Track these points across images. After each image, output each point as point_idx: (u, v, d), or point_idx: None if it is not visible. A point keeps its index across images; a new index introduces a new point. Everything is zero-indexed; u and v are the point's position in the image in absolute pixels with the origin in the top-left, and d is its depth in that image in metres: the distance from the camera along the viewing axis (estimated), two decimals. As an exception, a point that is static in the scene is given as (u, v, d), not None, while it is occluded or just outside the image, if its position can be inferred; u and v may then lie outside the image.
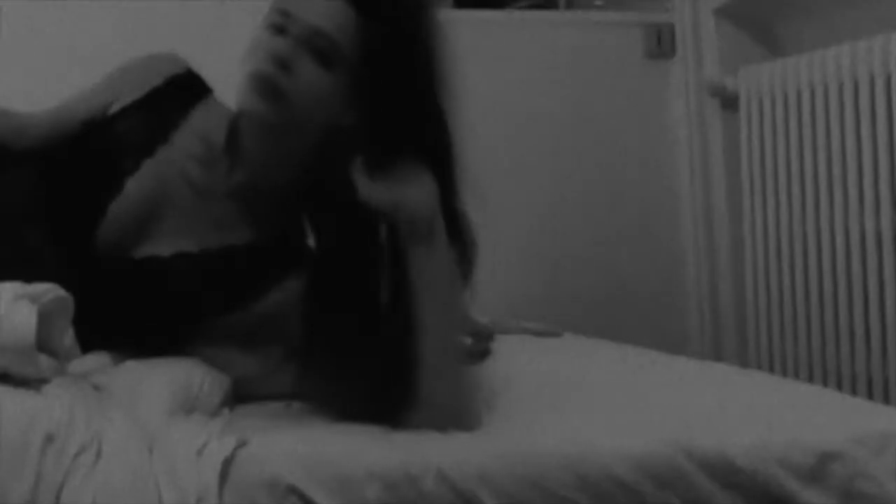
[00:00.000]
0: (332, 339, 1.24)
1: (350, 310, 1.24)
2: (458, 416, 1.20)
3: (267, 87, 1.28)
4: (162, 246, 1.36)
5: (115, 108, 1.45)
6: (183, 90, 1.47)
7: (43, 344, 1.15)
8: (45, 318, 1.15)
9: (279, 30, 1.30)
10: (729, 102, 2.88)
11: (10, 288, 1.15)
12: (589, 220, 2.97)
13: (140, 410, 1.16)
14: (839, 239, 2.47)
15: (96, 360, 1.29)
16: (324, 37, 1.28)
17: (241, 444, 1.09)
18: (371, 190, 1.21)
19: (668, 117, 3.03)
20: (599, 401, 1.35)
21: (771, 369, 2.68)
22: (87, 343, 1.27)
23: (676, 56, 3.02)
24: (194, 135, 1.39)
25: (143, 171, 1.39)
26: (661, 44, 3.03)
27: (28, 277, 1.19)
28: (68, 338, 1.21)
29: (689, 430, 1.18)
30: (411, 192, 1.22)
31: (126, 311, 1.34)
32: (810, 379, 2.54)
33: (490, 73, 2.87)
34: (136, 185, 1.39)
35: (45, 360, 1.15)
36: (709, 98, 2.95)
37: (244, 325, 1.34)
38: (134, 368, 1.28)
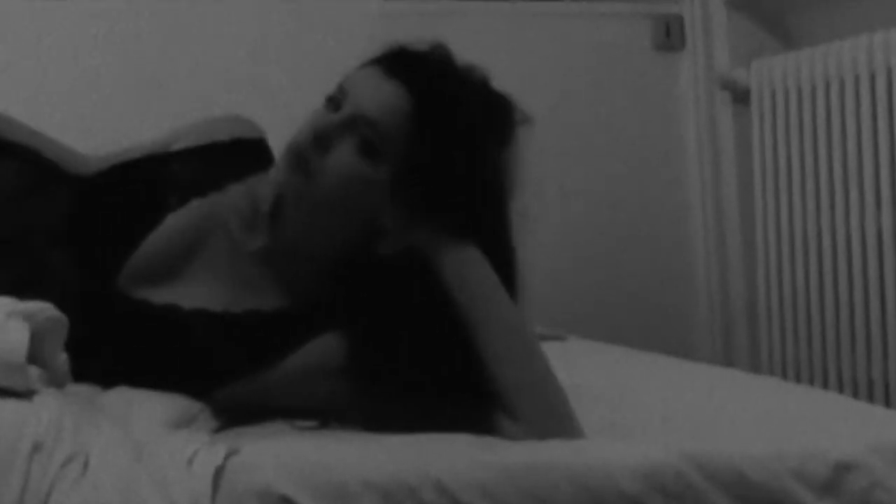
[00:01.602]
0: (398, 385, 1.25)
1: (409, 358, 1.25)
2: (558, 419, 1.20)
3: (299, 161, 1.27)
4: (185, 293, 1.34)
5: (173, 148, 1.44)
6: (247, 154, 1.45)
7: (34, 362, 1.16)
8: (37, 337, 1.15)
9: (336, 105, 1.28)
10: (740, 96, 2.89)
11: (3, 304, 1.16)
12: (594, 218, 2.98)
13: (133, 423, 1.16)
14: (855, 238, 2.47)
15: (87, 389, 1.28)
16: (372, 126, 1.26)
17: (233, 453, 1.09)
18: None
19: (677, 112, 3.04)
20: (604, 409, 1.35)
21: (784, 375, 2.68)
22: (81, 377, 1.26)
23: (686, 48, 3.03)
24: (247, 193, 1.36)
25: (187, 210, 1.38)
26: (671, 36, 3.03)
27: (39, 298, 1.19)
28: (61, 361, 1.21)
29: (698, 440, 1.18)
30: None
31: (132, 356, 1.33)
32: (825, 385, 2.54)
33: (492, 66, 2.86)
34: (175, 222, 1.37)
35: (34, 371, 1.15)
36: (719, 92, 2.95)
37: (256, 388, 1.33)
38: (129, 390, 1.28)
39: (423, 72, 1.29)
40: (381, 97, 1.27)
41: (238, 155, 1.45)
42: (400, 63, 1.30)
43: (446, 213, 1.26)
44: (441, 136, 1.26)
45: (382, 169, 1.26)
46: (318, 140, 1.26)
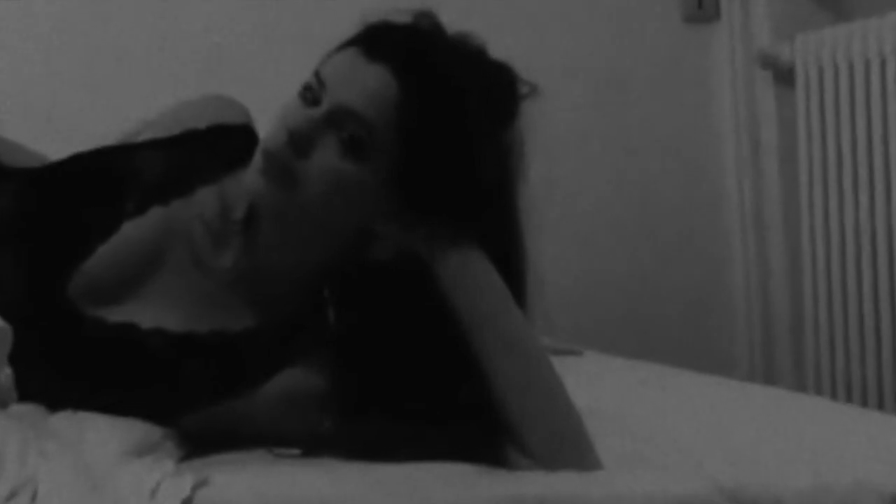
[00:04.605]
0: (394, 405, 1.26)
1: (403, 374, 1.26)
2: (571, 448, 1.20)
3: (277, 170, 1.25)
4: (144, 311, 1.34)
5: (139, 138, 1.44)
6: (227, 143, 1.43)
7: (-27, 377, 1.17)
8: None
9: (314, 98, 1.27)
10: (783, 75, 2.89)
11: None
12: (615, 215, 2.98)
13: (87, 450, 1.16)
14: (915, 239, 2.47)
15: (34, 409, 1.28)
16: (356, 120, 1.24)
17: (201, 484, 1.10)
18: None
19: (711, 93, 3.04)
20: (626, 435, 1.36)
21: (833, 395, 2.68)
22: (26, 395, 1.27)
23: (721, 20, 3.03)
24: (218, 198, 1.36)
25: (147, 218, 1.37)
26: (703, 6, 3.04)
27: None
28: (4, 376, 1.21)
29: (733, 469, 1.19)
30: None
31: (85, 377, 1.33)
32: (880, 407, 2.54)
33: (502, 40, 2.86)
34: (134, 232, 1.37)
35: (-25, 392, 1.16)
36: (759, 70, 2.95)
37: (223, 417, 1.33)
38: (81, 413, 1.28)
39: (408, 50, 1.28)
40: (363, 85, 1.25)
41: (216, 143, 1.44)
42: (382, 42, 1.28)
43: (444, 212, 1.26)
44: (434, 124, 1.25)
45: (371, 167, 1.25)
46: (297, 142, 1.25)
